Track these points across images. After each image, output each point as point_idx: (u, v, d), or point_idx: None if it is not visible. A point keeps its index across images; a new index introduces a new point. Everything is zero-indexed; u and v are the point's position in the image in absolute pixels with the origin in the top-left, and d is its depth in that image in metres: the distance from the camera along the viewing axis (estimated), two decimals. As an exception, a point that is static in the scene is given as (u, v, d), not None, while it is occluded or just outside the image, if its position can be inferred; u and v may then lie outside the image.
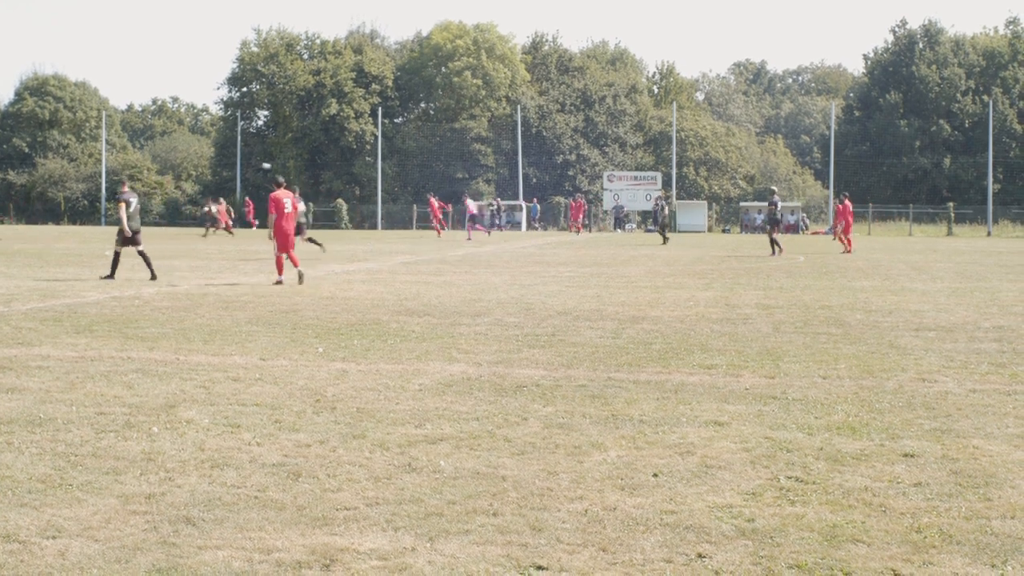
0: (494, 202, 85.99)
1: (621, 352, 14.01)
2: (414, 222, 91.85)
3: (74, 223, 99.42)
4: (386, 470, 7.85)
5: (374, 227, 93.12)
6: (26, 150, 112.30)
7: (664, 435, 9.03)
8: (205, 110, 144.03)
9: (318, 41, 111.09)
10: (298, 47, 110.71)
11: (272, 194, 26.13)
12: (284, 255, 25.58)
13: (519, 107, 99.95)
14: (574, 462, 8.10)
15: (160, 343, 14.60)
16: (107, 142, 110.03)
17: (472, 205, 66.71)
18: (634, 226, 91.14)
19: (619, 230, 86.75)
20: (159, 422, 9.41)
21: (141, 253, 26.61)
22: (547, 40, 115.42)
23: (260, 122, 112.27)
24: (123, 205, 26.86)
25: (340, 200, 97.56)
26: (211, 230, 64.22)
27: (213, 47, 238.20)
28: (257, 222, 76.21)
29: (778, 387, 11.34)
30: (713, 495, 7.25)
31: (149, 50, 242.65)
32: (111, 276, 26.23)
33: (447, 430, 9.16)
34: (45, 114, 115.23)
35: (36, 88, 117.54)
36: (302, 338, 15.25)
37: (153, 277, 25.99)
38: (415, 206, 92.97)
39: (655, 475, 7.75)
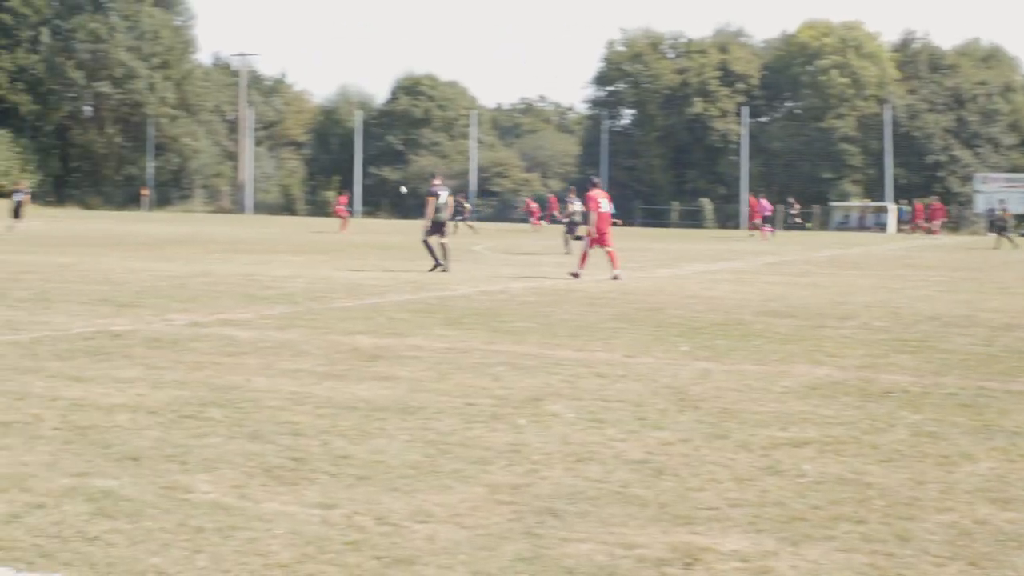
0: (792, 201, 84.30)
1: (994, 360, 13.50)
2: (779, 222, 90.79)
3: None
4: (749, 471, 7.78)
5: (737, 226, 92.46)
6: (400, 147, 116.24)
7: (1040, 448, 8.66)
8: (571, 109, 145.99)
9: (683, 40, 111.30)
10: (663, 46, 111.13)
11: (588, 193, 27.84)
12: (592, 249, 27.29)
13: (888, 106, 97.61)
14: (943, 472, 7.85)
15: (526, 337, 14.88)
16: (476, 140, 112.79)
17: (767, 205, 65.83)
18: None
19: (994, 234, 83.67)
20: (525, 414, 9.59)
21: (443, 245, 28.13)
22: (917, 38, 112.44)
23: (625, 121, 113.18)
24: (432, 199, 28.66)
25: (704, 199, 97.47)
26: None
27: (580, 47, 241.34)
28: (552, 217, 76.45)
29: None
30: (1094, 513, 6.90)
31: (517, 51, 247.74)
32: (435, 266, 27.73)
33: (811, 434, 9.02)
34: (418, 112, 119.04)
35: (410, 87, 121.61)
36: (665, 336, 15.27)
37: (444, 269, 27.60)
38: (782, 206, 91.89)
39: (1030, 489, 7.44)
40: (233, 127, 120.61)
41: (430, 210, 28.38)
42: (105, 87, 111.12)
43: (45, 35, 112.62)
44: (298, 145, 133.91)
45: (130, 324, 15.62)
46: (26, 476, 7.37)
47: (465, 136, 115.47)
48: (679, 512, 6.74)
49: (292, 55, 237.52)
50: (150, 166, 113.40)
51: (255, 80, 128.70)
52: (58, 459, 7.85)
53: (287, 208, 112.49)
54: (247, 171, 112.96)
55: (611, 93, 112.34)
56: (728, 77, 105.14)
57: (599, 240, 27.18)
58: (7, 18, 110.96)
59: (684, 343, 14.55)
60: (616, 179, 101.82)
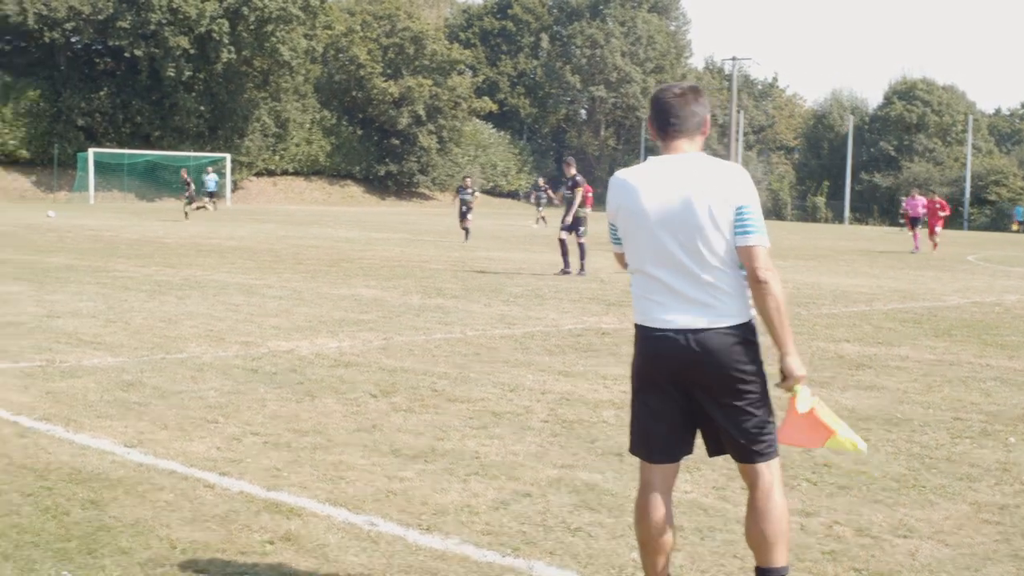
0: None
1: None
2: None
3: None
4: None
5: None
6: (892, 153, 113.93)
7: None
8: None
9: None
10: None
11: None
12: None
13: None
14: None
15: (1021, 352, 14.28)
16: (972, 146, 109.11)
17: None
18: None
19: None
20: (1017, 432, 9.22)
21: (580, 245, 26.12)
22: None
23: None
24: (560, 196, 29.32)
25: None
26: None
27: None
28: None
29: None
30: None
31: (1018, 53, 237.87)
32: (563, 271, 25.87)
33: None
34: (912, 118, 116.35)
35: (904, 92, 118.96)
36: None
37: (574, 271, 25.79)
38: None
39: None
40: (724, 131, 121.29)
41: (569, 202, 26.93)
42: (600, 91, 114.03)
43: (545, 41, 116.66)
44: (788, 150, 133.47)
45: (617, 323, 15.99)
46: (515, 465, 7.68)
47: (961, 142, 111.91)
48: None
49: (784, 59, 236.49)
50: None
51: (746, 84, 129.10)
52: (546, 450, 8.14)
53: (775, 213, 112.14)
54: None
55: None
56: None
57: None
58: (510, 25, 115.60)
59: None
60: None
